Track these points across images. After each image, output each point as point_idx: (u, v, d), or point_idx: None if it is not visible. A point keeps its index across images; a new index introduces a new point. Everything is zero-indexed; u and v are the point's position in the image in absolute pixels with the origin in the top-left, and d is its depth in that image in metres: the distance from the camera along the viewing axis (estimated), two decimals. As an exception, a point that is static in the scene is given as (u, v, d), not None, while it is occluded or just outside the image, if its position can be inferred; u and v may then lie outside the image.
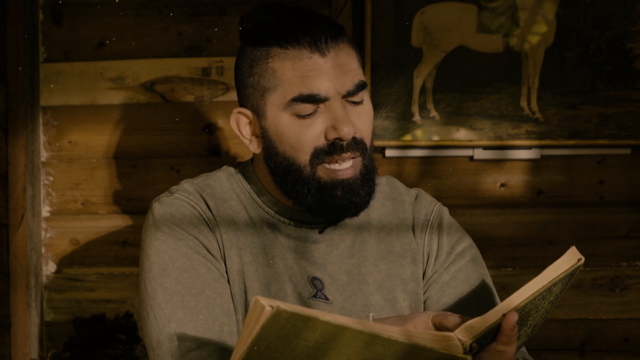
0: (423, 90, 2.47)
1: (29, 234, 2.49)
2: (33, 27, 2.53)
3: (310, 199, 1.42)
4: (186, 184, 1.50)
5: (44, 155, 2.56)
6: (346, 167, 1.42)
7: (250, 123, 1.46)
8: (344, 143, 1.40)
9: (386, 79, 2.46)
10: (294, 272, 1.46)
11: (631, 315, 2.50)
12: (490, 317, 1.21)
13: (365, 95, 1.44)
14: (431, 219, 1.55)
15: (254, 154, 1.52)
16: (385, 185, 1.57)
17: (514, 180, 2.51)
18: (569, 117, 2.46)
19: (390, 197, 1.56)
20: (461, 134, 2.47)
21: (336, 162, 1.41)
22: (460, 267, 1.52)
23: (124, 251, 2.55)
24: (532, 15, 2.46)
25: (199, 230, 1.44)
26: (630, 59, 2.45)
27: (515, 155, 2.49)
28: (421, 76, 2.47)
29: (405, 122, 2.47)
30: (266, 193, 1.49)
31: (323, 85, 1.39)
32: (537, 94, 2.46)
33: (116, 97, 2.55)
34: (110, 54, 2.55)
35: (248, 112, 1.46)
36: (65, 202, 2.56)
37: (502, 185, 2.52)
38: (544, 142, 2.46)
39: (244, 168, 1.53)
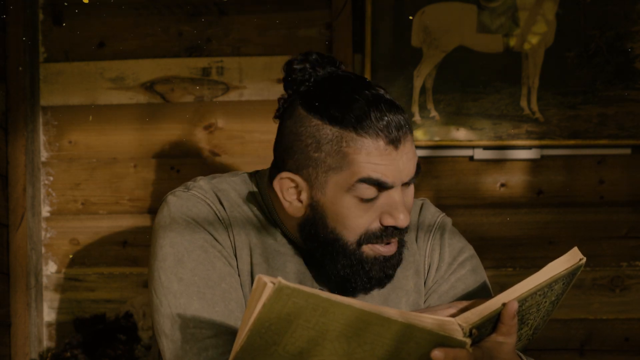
0: (423, 90, 2.47)
1: (29, 234, 2.49)
2: (33, 27, 2.53)
3: (348, 271, 1.43)
4: (202, 182, 1.50)
5: (44, 155, 2.56)
6: (389, 245, 1.43)
7: (295, 187, 1.44)
8: (396, 230, 1.42)
9: (386, 79, 2.46)
10: (306, 277, 1.46)
11: (631, 315, 2.50)
12: (491, 305, 1.21)
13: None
14: (433, 228, 1.56)
15: (279, 205, 1.49)
16: None
17: (514, 180, 2.51)
18: (569, 117, 2.46)
19: None
20: (461, 134, 2.47)
21: (383, 243, 1.43)
22: (459, 277, 1.53)
23: (124, 251, 2.55)
24: (532, 15, 2.46)
25: (214, 227, 1.44)
26: (630, 59, 2.45)
27: (515, 155, 2.49)
28: (421, 76, 2.47)
29: (405, 122, 2.46)
30: (279, 222, 1.49)
31: (392, 175, 1.39)
32: (537, 94, 2.46)
33: (116, 97, 2.55)
34: (110, 54, 2.55)
35: (298, 179, 1.43)
36: (65, 202, 2.56)
37: (502, 185, 2.52)
38: (544, 142, 2.47)
39: (260, 179, 1.53)
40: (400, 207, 1.40)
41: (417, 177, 1.43)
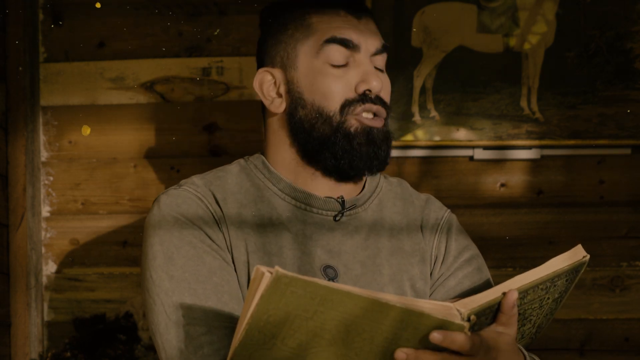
0: (423, 90, 2.47)
1: (29, 234, 2.49)
2: (33, 27, 2.53)
3: (336, 148, 1.46)
4: (196, 178, 1.51)
5: (44, 155, 2.56)
6: (373, 117, 1.47)
7: (274, 83, 1.50)
8: (373, 95, 1.46)
9: (386, 79, 2.46)
10: (303, 262, 1.46)
11: (631, 315, 2.50)
12: (490, 293, 1.21)
13: (385, 65, 1.52)
14: (441, 223, 1.56)
15: (269, 131, 1.53)
16: (397, 185, 1.59)
17: (514, 180, 2.52)
18: (569, 117, 2.46)
19: (401, 197, 1.57)
20: (461, 134, 2.47)
21: (366, 111, 1.46)
22: (466, 274, 1.53)
23: (124, 251, 2.55)
24: (532, 15, 2.46)
25: (204, 221, 1.44)
26: (630, 59, 2.45)
27: (515, 155, 2.49)
28: (421, 76, 2.47)
29: (405, 122, 2.47)
30: (282, 179, 1.49)
31: (356, 35, 1.46)
32: (537, 94, 2.46)
33: (116, 97, 2.55)
34: (110, 54, 2.55)
35: (274, 69, 1.50)
36: (65, 202, 2.56)
37: (502, 185, 2.52)
38: (544, 142, 2.47)
39: (255, 159, 1.55)
40: (371, 71, 1.47)
41: (385, 52, 1.50)
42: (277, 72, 1.49)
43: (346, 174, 1.49)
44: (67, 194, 2.56)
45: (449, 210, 1.60)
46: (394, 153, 2.48)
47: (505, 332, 1.25)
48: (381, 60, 1.50)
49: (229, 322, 1.37)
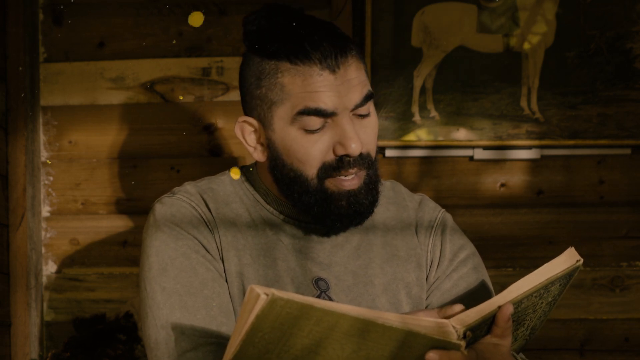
0: (423, 90, 2.47)
1: (29, 234, 2.49)
2: (33, 27, 2.53)
3: (316, 209, 1.43)
4: (189, 186, 1.51)
5: (44, 155, 2.56)
6: (351, 177, 1.42)
7: (255, 131, 1.47)
8: (351, 159, 1.40)
9: (386, 79, 2.46)
10: (297, 273, 1.45)
11: (631, 315, 2.50)
12: (485, 308, 1.21)
13: (371, 107, 1.45)
14: (435, 224, 1.55)
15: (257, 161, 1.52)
16: (389, 189, 1.57)
17: (514, 180, 2.51)
18: (569, 117, 2.46)
19: (394, 202, 1.56)
20: (461, 134, 2.47)
21: (342, 175, 1.42)
22: (462, 275, 1.52)
23: (124, 251, 2.55)
24: (532, 15, 2.46)
25: (198, 230, 1.44)
26: (630, 59, 2.45)
27: (515, 155, 2.49)
28: (421, 76, 2.47)
29: (405, 122, 2.47)
30: (271, 194, 1.49)
31: (331, 100, 1.38)
32: (537, 94, 2.46)
33: (116, 97, 2.55)
34: (110, 54, 2.55)
35: (254, 121, 1.46)
36: (65, 202, 2.56)
37: (502, 185, 2.52)
38: (544, 142, 2.47)
39: (247, 171, 1.54)
40: (349, 134, 1.39)
41: (367, 103, 1.42)
42: (256, 123, 1.46)
43: (329, 229, 1.47)
44: (67, 194, 2.56)
45: (443, 210, 1.59)
46: (394, 153, 2.48)
47: (500, 343, 1.25)
48: (365, 108, 1.43)
49: (216, 337, 1.37)
